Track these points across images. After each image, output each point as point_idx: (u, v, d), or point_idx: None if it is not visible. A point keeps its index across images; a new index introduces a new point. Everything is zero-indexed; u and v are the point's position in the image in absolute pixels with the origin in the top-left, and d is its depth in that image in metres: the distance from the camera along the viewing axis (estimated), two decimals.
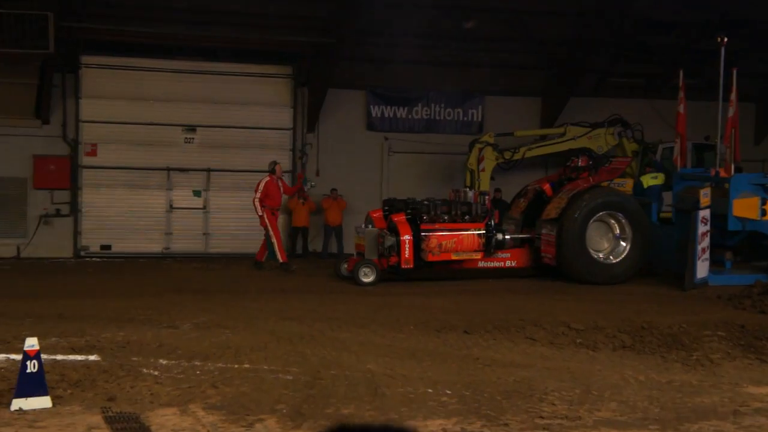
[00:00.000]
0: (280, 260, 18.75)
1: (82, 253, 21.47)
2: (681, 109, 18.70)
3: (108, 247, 21.67)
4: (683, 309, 14.11)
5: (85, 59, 21.48)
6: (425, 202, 17.40)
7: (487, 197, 18.03)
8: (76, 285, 16.38)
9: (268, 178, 19.00)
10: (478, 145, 21.88)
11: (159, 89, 21.96)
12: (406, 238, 16.76)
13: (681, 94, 18.68)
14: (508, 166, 22.36)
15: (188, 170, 22.12)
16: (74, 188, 21.57)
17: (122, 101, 21.74)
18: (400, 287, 16.48)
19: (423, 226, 16.92)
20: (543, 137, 23.03)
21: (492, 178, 21.97)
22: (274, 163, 19.42)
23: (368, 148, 23.57)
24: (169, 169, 22.04)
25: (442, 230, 16.99)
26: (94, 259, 21.26)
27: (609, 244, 17.91)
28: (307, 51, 22.02)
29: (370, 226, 17.45)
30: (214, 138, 22.29)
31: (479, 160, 21.73)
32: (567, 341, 11.43)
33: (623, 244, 17.77)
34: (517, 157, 22.15)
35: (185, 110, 22.18)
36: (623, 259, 17.69)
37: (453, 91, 24.00)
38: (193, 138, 22.26)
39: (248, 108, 22.47)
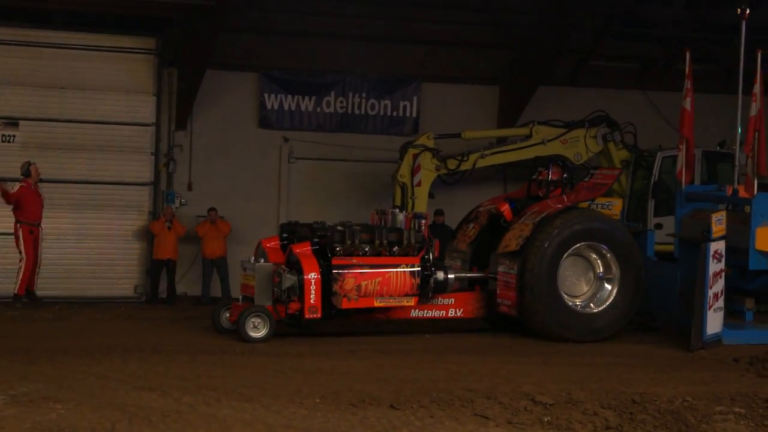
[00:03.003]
0: (16, 291, 20.15)
1: None
2: (687, 104, 18.95)
3: None
4: (688, 376, 14.28)
5: None
6: (339, 228, 17.39)
7: (423, 222, 18.08)
8: None
9: (23, 184, 20.12)
10: (412, 150, 21.98)
11: None
12: (312, 276, 16.71)
13: (687, 85, 18.96)
14: (452, 180, 22.52)
15: (5, 180, 21.77)
16: None
17: None
18: (303, 344, 16.43)
19: (335, 261, 16.90)
20: (501, 140, 23.24)
21: (431, 196, 22.09)
22: (28, 164, 20.35)
23: (261, 153, 23.55)
24: None
25: (361, 266, 16.99)
26: None
27: (589, 286, 18.09)
28: (177, 17, 21.91)
29: (261, 260, 17.38)
30: (44, 136, 22.11)
31: (414, 171, 21.84)
32: (531, 420, 11.47)
33: (608, 287, 17.94)
34: (465, 167, 22.29)
35: (3, 97, 21.98)
36: (608, 307, 17.83)
37: (379, 76, 24.10)
38: (13, 135, 21.98)
39: (93, 95, 22.39)
